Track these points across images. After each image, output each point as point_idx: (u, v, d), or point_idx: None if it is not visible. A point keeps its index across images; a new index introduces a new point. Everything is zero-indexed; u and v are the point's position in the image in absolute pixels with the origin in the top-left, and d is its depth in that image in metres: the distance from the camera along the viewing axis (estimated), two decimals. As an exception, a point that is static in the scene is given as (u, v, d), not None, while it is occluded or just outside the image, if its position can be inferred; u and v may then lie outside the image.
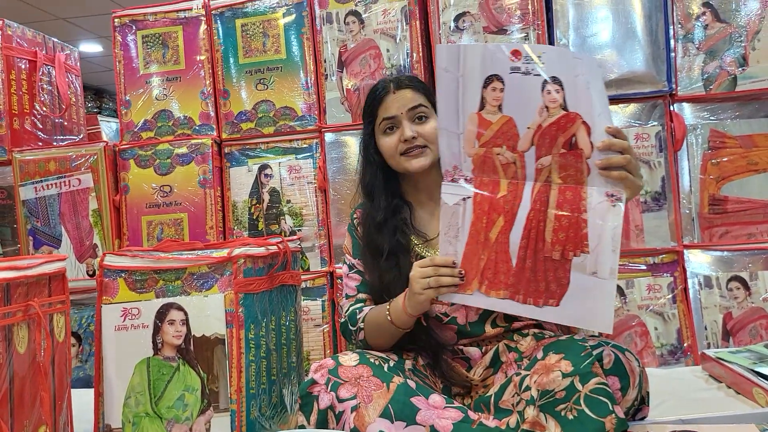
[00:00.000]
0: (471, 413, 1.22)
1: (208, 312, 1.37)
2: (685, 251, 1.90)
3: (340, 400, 1.20)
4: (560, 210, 1.13)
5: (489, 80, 1.15)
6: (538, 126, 1.13)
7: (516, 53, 1.11)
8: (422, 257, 1.44)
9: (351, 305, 1.45)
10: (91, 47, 6.64)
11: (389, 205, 1.45)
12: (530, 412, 1.17)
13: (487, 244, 1.19)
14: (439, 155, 1.26)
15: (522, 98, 1.13)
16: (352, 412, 1.18)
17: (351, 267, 1.50)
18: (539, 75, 1.10)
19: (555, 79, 1.10)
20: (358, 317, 1.41)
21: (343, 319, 1.45)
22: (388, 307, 1.37)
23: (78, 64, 2.66)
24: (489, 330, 1.41)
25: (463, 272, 1.21)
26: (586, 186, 1.12)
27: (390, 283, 1.39)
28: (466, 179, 1.22)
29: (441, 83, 1.18)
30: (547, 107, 1.11)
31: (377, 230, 1.43)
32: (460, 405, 1.24)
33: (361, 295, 1.46)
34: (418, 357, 1.41)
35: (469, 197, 1.21)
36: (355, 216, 1.54)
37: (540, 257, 1.15)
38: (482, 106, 1.16)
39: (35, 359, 1.27)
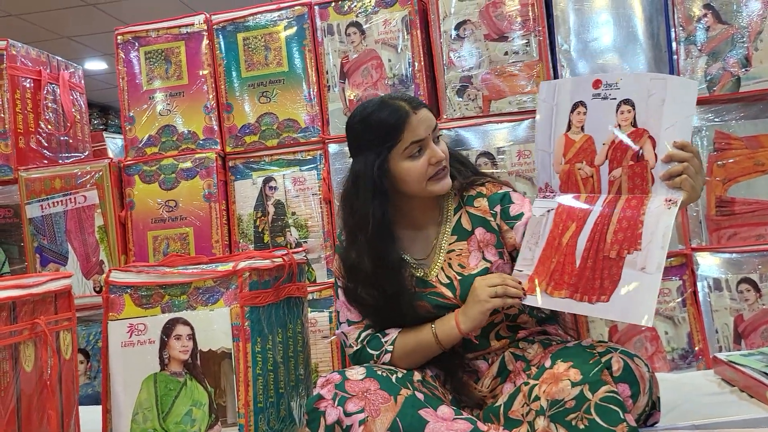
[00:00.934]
0: (480, 424, 1.21)
1: (214, 326, 1.37)
2: (693, 254, 1.88)
3: (348, 414, 1.19)
4: (623, 214, 1.23)
5: (575, 106, 1.31)
6: (612, 142, 1.27)
7: (597, 82, 1.28)
8: (420, 280, 1.41)
9: (362, 331, 1.39)
10: (95, 65, 6.71)
11: (396, 243, 1.38)
12: (540, 423, 1.16)
13: (559, 248, 1.29)
14: (535, 174, 1.43)
15: (600, 119, 1.28)
16: (360, 426, 1.17)
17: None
18: (615, 99, 1.26)
19: (628, 101, 1.25)
20: (383, 340, 1.36)
21: (357, 347, 1.38)
22: (433, 326, 1.34)
23: (82, 81, 2.68)
24: (494, 342, 1.40)
25: (525, 288, 1.29)
26: (649, 194, 1.22)
27: (400, 317, 1.37)
28: (554, 195, 1.36)
29: (540, 112, 1.36)
30: (620, 125, 1.26)
31: (389, 273, 1.35)
32: (469, 416, 1.23)
33: (368, 321, 1.40)
34: (426, 368, 1.39)
35: (552, 209, 1.33)
36: (343, 237, 1.44)
37: (600, 257, 1.23)
38: (569, 128, 1.32)
39: (42, 377, 1.27)
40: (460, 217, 1.44)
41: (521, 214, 1.39)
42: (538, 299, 1.28)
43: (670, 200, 1.19)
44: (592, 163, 1.29)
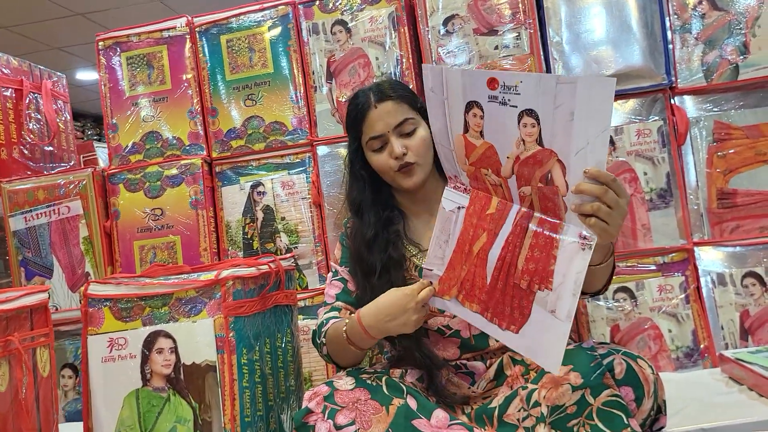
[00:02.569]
0: (477, 431, 1.16)
1: (197, 338, 1.31)
2: (695, 249, 1.82)
3: (339, 427, 1.14)
4: (535, 240, 1.09)
5: (470, 106, 1.11)
6: (517, 157, 1.08)
7: (493, 81, 1.06)
8: (419, 267, 1.38)
9: (325, 313, 1.40)
10: (87, 75, 6.67)
11: (379, 219, 1.40)
12: (541, 431, 1.10)
13: (470, 257, 1.19)
14: (441, 162, 1.28)
15: (500, 128, 1.08)
16: (352, 439, 1.12)
17: (335, 273, 1.47)
18: (515, 106, 1.04)
19: (531, 112, 1.02)
20: (323, 330, 1.35)
21: (314, 329, 1.39)
22: (345, 324, 1.29)
23: (66, 90, 2.62)
24: (493, 342, 1.35)
25: (437, 288, 1.24)
26: (563, 222, 1.06)
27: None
28: (465, 189, 1.23)
29: (430, 102, 1.19)
30: (523, 140, 1.05)
31: (367, 248, 1.38)
32: (465, 422, 1.18)
33: (338, 303, 1.41)
34: (405, 374, 1.34)
35: (463, 207, 1.22)
36: (348, 225, 1.50)
37: (510, 282, 1.13)
38: (466, 129, 1.14)
39: (17, 396, 1.21)
40: None
41: None
42: (450, 305, 1.21)
43: (585, 238, 1.03)
44: (498, 173, 1.13)
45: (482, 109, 1.09)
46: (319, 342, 1.36)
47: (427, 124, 1.37)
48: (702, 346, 1.78)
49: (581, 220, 1.03)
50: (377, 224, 1.39)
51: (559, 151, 1.01)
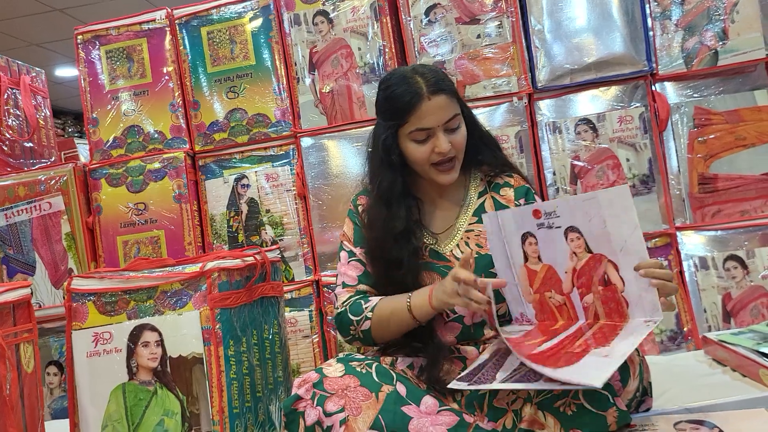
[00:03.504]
0: (466, 416, 1.17)
1: (183, 331, 1.30)
2: (678, 233, 1.84)
3: (328, 414, 1.14)
4: (599, 333, 1.15)
5: (525, 237, 1.25)
6: (573, 269, 1.20)
7: (536, 212, 1.23)
8: (434, 251, 1.38)
9: (351, 296, 1.36)
10: (68, 71, 6.57)
11: (407, 210, 1.37)
12: (527, 410, 1.12)
13: (517, 343, 1.20)
14: (507, 304, 1.33)
15: (554, 248, 1.22)
16: (341, 426, 1.13)
17: (351, 254, 1.41)
18: (560, 227, 1.20)
19: (572, 228, 1.19)
20: (364, 306, 1.33)
21: (341, 309, 1.35)
22: (409, 297, 1.29)
23: (45, 86, 2.59)
24: (488, 332, 1.36)
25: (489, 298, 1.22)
26: (627, 318, 1.15)
27: (401, 285, 1.33)
28: (530, 323, 1.29)
29: (492, 245, 1.30)
30: (575, 252, 1.20)
31: (395, 241, 1.34)
32: (454, 408, 1.19)
33: (362, 286, 1.38)
34: (395, 362, 1.34)
35: (525, 332, 1.27)
36: (358, 202, 1.45)
37: (562, 352, 1.13)
38: (526, 259, 1.26)
39: (1, 393, 1.20)
40: (485, 201, 1.43)
41: None
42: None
43: (649, 321, 1.12)
44: (561, 291, 1.23)
45: (535, 237, 1.24)
46: (355, 319, 1.32)
47: (463, 116, 1.38)
48: (686, 329, 1.80)
49: (645, 301, 1.11)
50: (407, 217, 1.36)
51: (607, 252, 1.15)
